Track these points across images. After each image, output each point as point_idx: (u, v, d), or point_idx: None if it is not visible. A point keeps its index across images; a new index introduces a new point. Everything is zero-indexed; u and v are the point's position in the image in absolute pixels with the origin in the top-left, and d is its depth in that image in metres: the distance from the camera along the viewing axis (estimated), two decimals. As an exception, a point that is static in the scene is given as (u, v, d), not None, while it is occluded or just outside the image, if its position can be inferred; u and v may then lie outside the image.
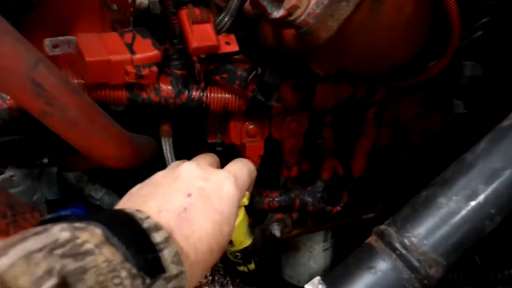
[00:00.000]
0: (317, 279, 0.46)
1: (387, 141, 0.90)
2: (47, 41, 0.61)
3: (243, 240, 0.70)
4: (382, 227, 0.45)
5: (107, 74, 0.63)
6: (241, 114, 0.76)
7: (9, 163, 0.80)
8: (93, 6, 0.71)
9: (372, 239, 0.46)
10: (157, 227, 0.34)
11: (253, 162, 0.82)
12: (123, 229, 0.32)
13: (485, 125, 0.51)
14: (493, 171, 0.43)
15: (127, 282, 0.29)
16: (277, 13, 0.52)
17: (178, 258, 0.34)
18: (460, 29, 0.76)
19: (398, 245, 0.43)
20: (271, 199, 0.90)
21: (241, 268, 0.80)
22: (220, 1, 0.72)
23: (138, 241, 0.32)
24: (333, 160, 0.87)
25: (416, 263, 0.41)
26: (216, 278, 0.84)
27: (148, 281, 0.30)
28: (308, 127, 0.83)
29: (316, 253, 1.11)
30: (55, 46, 0.62)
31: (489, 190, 0.42)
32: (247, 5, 0.70)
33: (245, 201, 0.61)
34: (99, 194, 0.82)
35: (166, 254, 0.33)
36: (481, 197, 0.43)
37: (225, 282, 0.86)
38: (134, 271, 0.29)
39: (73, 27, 0.69)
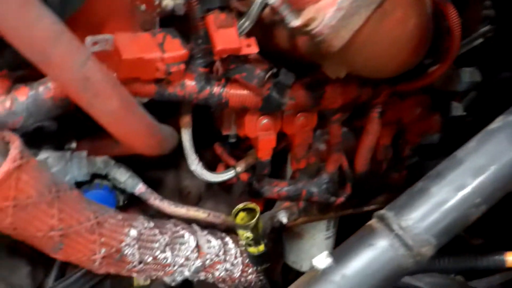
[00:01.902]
0: (324, 253, 0.54)
1: (390, 139, 0.98)
2: (88, 39, 0.68)
3: None
4: (382, 211, 0.53)
5: (139, 70, 0.71)
6: (257, 109, 0.83)
7: (42, 147, 0.88)
8: (124, 8, 0.78)
9: (372, 222, 0.53)
10: None
11: (265, 154, 0.90)
12: None
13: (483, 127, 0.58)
14: (480, 167, 0.50)
15: None
16: (295, 23, 0.59)
17: None
18: (460, 37, 0.83)
19: (395, 227, 0.50)
20: (280, 189, 0.98)
21: (252, 249, 0.87)
22: (240, 6, 0.79)
23: None
24: (339, 154, 0.95)
25: (411, 242, 0.49)
26: (227, 258, 0.92)
27: None
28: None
29: (318, 241, 1.19)
30: (95, 43, 0.69)
31: (476, 182, 0.50)
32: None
33: None
34: (123, 178, 0.90)
35: None
36: (468, 189, 0.50)
37: (236, 262, 0.94)
38: None
39: (105, 28, 0.77)
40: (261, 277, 1.05)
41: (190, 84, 0.77)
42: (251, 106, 0.81)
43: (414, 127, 0.98)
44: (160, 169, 1.25)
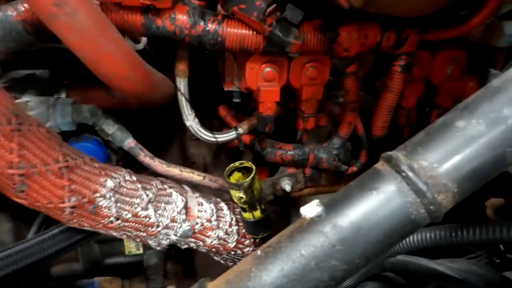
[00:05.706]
0: (315, 202, 0.43)
1: (415, 101, 0.84)
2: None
3: None
4: (391, 152, 0.41)
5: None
6: (259, 54, 0.73)
7: (27, 91, 0.82)
8: None
9: (378, 164, 0.42)
10: None
11: (268, 108, 0.80)
12: None
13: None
14: (524, 96, 0.38)
15: None
16: None
17: None
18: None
19: (405, 168, 0.38)
20: (284, 152, 0.87)
21: (247, 215, 0.78)
22: None
23: None
24: (353, 115, 0.83)
25: (423, 187, 0.37)
26: (220, 225, 0.83)
27: None
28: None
29: (329, 219, 1.07)
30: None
31: (517, 115, 0.37)
32: None
33: None
34: (111, 129, 0.82)
35: None
36: (507, 123, 0.38)
37: (231, 230, 0.85)
38: None
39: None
40: (261, 252, 0.95)
41: (182, 18, 0.67)
42: (251, 47, 0.70)
43: (445, 88, 0.85)
44: (164, 136, 1.17)
